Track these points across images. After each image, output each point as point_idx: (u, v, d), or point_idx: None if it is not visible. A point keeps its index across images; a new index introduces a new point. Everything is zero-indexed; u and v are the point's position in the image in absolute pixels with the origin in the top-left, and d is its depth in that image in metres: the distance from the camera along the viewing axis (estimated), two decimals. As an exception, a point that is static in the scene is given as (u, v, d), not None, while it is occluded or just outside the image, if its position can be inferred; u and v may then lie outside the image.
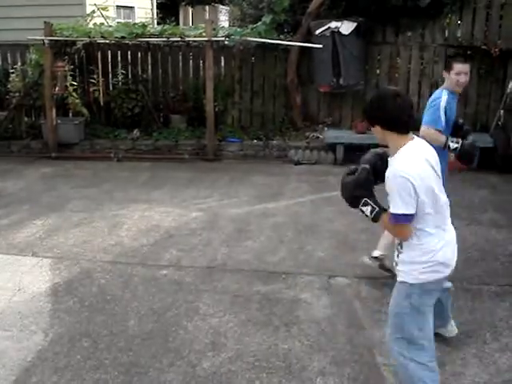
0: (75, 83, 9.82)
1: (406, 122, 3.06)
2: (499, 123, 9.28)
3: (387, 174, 3.07)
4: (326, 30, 9.25)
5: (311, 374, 3.72)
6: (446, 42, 9.51)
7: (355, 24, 9.18)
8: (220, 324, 4.33)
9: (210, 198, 7.39)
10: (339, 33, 9.20)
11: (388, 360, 3.85)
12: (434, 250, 3.08)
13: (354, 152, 8.97)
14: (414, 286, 3.12)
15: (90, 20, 10.23)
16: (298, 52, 9.58)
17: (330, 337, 4.15)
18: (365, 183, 3.24)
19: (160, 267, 5.32)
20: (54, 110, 9.64)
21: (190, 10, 22.38)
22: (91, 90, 10.08)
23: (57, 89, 9.53)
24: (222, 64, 10.10)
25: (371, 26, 9.42)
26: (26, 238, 6.07)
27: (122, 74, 10.25)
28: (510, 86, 9.13)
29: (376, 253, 5.05)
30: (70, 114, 10.19)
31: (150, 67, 10.31)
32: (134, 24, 10.33)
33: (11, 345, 4.06)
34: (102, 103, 10.02)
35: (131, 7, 14.76)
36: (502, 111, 9.25)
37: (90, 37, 9.57)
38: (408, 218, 3.02)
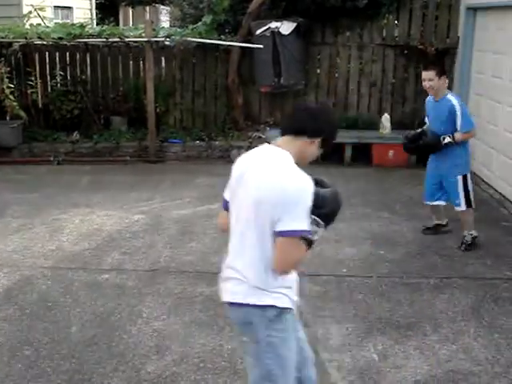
0: (12, 85, 9.57)
1: None
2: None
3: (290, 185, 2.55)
4: (266, 30, 9.30)
5: (256, 373, 3.74)
6: (384, 42, 9.70)
7: (295, 24, 9.26)
8: (164, 327, 4.31)
9: (153, 201, 7.33)
10: (279, 33, 9.26)
11: (332, 355, 3.92)
12: None
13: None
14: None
15: (27, 21, 10.01)
16: (239, 52, 9.60)
17: (274, 335, 4.18)
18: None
19: (102, 271, 5.25)
20: (-10, 113, 9.39)
21: (131, 10, 22.12)
22: (29, 92, 9.85)
23: (-7, 91, 9.29)
24: (163, 64, 10.03)
25: (311, 26, 9.53)
26: (-38, 245, 5.90)
27: (61, 75, 10.06)
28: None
29: None
30: (7, 117, 9.92)
31: (88, 68, 10.13)
32: (72, 25, 10.17)
33: None
34: (40, 105, 9.81)
35: (69, 7, 14.53)
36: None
37: (26, 38, 9.36)
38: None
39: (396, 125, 9.27)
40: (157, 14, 22.43)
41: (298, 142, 2.68)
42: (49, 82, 10.09)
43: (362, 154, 8.92)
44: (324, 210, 2.69)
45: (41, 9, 10.22)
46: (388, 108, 9.75)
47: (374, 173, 8.55)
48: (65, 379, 3.70)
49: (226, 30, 10.06)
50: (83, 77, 10.09)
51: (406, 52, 9.64)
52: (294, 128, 2.71)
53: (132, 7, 21.97)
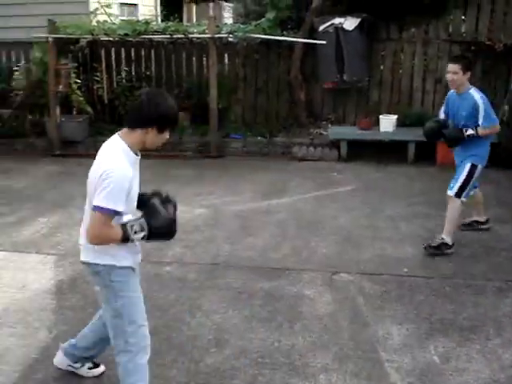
0: (79, 81, 9.86)
1: None
2: (503, 119, 9.24)
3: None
4: (330, 26, 9.24)
5: (314, 371, 3.72)
6: (450, 38, 9.48)
7: (359, 20, 9.17)
8: (223, 320, 4.34)
9: (214, 195, 7.39)
10: (343, 29, 9.19)
11: (391, 356, 3.86)
12: None
13: (358, 148, 9.01)
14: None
15: (94, 17, 10.24)
16: (302, 48, 9.57)
17: (332, 333, 4.16)
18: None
19: (163, 264, 5.33)
20: (57, 108, 9.67)
21: (194, 6, 22.33)
22: (95, 87, 10.11)
23: (60, 87, 9.55)
24: (226, 61, 10.09)
25: (375, 22, 9.41)
26: (30, 235, 6.09)
27: (126, 71, 10.27)
28: (514, 82, 9.11)
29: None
30: (74, 112, 10.20)
31: (153, 64, 10.32)
32: (138, 21, 10.34)
33: (15, 341, 4.08)
34: (105, 101, 10.05)
35: (135, 4, 14.75)
36: (506, 107, 9.21)
37: (93, 34, 9.59)
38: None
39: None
40: (220, 10, 22.55)
41: (134, 133, 3.03)
42: (114, 78, 10.32)
43: (426, 153, 8.74)
44: (153, 222, 3.11)
45: (107, 6, 10.43)
46: (453, 106, 9.52)
47: (437, 172, 8.36)
48: (126, 368, 3.77)
49: (289, 27, 10.03)
50: (148, 73, 10.28)
51: (472, 48, 9.38)
52: (127, 122, 3.09)
53: (196, 3, 22.18)
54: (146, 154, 9.16)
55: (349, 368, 3.75)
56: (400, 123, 9.19)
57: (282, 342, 4.05)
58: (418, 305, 4.56)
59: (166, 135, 3.13)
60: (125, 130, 3.08)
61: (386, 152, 8.95)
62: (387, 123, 8.97)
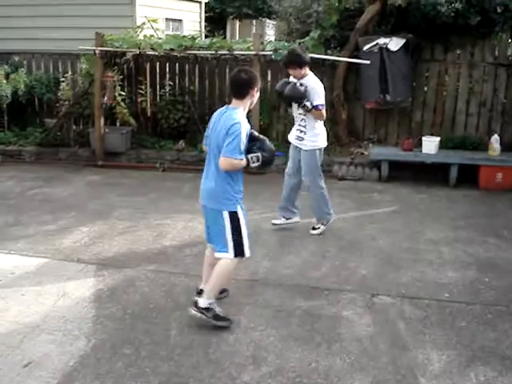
0: (123, 93, 10.01)
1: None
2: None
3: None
4: (374, 46, 9.22)
5: (352, 393, 3.68)
6: (496, 61, 9.37)
7: (404, 40, 9.13)
8: (261, 338, 4.32)
9: (253, 211, 7.36)
10: (387, 49, 9.16)
11: (431, 382, 3.79)
12: None
13: (399, 169, 8.93)
14: None
15: (140, 32, 10.41)
16: (345, 67, 9.57)
17: (372, 356, 4.10)
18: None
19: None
20: (102, 119, 9.83)
21: (238, 23, 22.56)
22: (139, 100, 10.26)
23: (105, 98, 9.71)
24: (269, 78, 10.13)
25: (420, 42, 9.36)
26: (71, 243, 6.18)
27: (170, 85, 10.40)
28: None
29: None
30: (118, 124, 10.36)
31: (197, 79, 10.43)
32: (184, 37, 10.47)
33: (55, 349, 4.13)
34: (148, 114, 10.18)
35: (180, 20, 14.98)
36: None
37: (139, 48, 9.73)
38: None
39: (506, 146, 8.92)
40: (263, 27, 22.72)
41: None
42: (158, 92, 10.45)
43: (469, 176, 8.62)
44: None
45: (154, 20, 10.59)
46: (498, 129, 9.39)
47: (480, 196, 8.24)
48: (163, 381, 3.77)
49: (333, 45, 10.04)
50: (191, 87, 10.38)
51: (519, 72, 9.28)
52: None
53: (239, 20, 22.42)
54: (187, 168, 9.30)
55: (387, 392, 3.69)
56: (442, 145, 9.09)
57: (320, 362, 4.01)
58: (459, 331, 4.47)
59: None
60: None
61: (427, 174, 8.86)
62: (430, 145, 8.87)
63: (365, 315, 4.68)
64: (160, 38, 10.25)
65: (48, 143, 10.28)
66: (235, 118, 4.26)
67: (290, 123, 10.12)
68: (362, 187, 8.71)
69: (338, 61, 9.47)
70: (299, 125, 6.43)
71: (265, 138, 4.55)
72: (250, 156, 4.34)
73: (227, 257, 4.44)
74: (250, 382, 3.77)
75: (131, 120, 10.08)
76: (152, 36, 10.25)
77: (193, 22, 15.85)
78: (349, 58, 9.36)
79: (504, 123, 9.51)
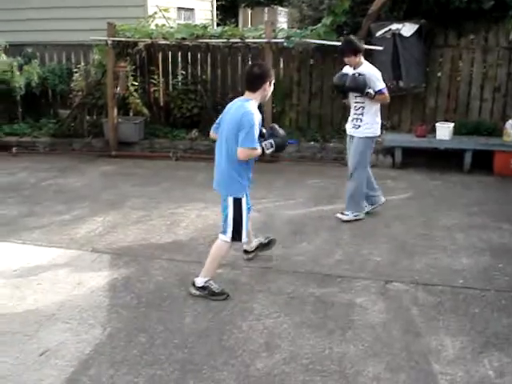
0: (136, 83, 10.03)
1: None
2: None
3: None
4: (387, 31, 9.15)
5: (366, 380, 3.68)
6: (511, 46, 9.26)
7: (417, 26, 9.06)
8: (274, 325, 4.33)
9: (266, 199, 7.40)
10: (400, 35, 9.10)
11: (444, 368, 3.78)
12: None
13: (412, 155, 8.89)
14: None
15: (152, 21, 10.40)
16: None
17: (385, 342, 4.10)
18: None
19: (216, 266, 5.36)
20: (115, 110, 9.86)
21: (249, 11, 22.46)
22: (151, 90, 10.27)
23: (118, 88, 9.74)
24: (281, 65, 10.10)
25: (433, 28, 9.28)
26: (86, 233, 6.23)
27: (182, 74, 10.41)
28: None
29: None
30: (131, 114, 10.39)
31: (209, 68, 10.42)
32: (195, 25, 10.46)
33: (70, 337, 4.17)
34: (161, 103, 10.19)
35: (191, 9, 14.95)
36: None
37: (151, 38, 9.74)
38: None
39: (521, 132, 8.83)
40: (275, 15, 22.61)
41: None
42: (170, 81, 10.46)
43: (483, 162, 8.56)
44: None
45: (165, 10, 10.58)
46: (512, 114, 9.31)
47: (494, 182, 8.18)
48: (177, 368, 3.80)
49: (345, 32, 9.95)
50: (203, 76, 10.38)
51: (533, 57, 9.17)
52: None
53: (251, 8, 22.33)
54: (200, 157, 9.34)
55: (401, 378, 3.69)
56: (456, 131, 9.03)
57: (333, 349, 4.02)
58: (473, 317, 4.46)
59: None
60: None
61: (441, 160, 8.81)
62: (444, 131, 8.82)
63: (378, 302, 4.68)
64: (171, 27, 10.24)
65: (62, 134, 10.33)
66: (248, 109, 4.50)
67: (302, 111, 10.15)
68: (376, 174, 8.58)
69: (350, 47, 9.40)
70: (355, 113, 6.44)
71: (274, 124, 4.97)
72: (264, 143, 4.67)
73: (224, 239, 4.73)
74: (264, 369, 3.79)
75: (144, 110, 10.10)
76: (164, 25, 10.25)
77: (204, 10, 15.81)
78: (361, 44, 9.30)
79: (519, 108, 9.42)
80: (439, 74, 9.68)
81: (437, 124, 8.99)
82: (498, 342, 4.11)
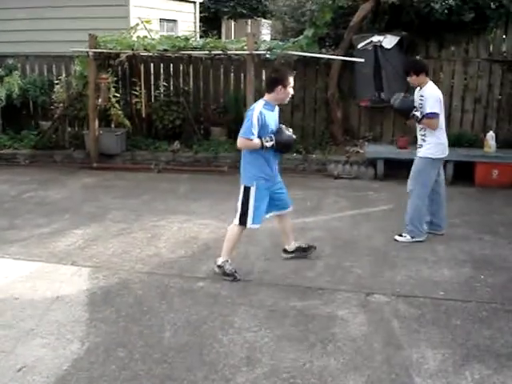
0: (118, 95, 9.98)
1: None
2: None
3: None
4: (369, 43, 9.21)
5: (346, 393, 3.66)
6: (491, 57, 9.36)
7: (398, 38, 9.13)
8: (255, 339, 4.30)
9: (248, 211, 7.37)
10: (382, 47, 9.17)
11: (425, 381, 3.77)
12: None
13: (394, 167, 8.91)
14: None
15: (134, 33, 10.38)
16: (340, 66, 9.55)
17: (366, 355, 4.08)
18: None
19: (197, 279, 5.33)
20: (96, 121, 9.82)
21: (233, 23, 22.51)
22: (133, 101, 10.24)
23: (100, 100, 9.70)
24: (263, 77, 10.09)
25: (414, 40, 9.36)
26: (66, 246, 6.16)
27: (164, 86, 10.39)
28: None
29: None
30: (113, 125, 10.34)
31: (191, 80, 10.41)
32: (177, 37, 10.45)
33: (48, 352, 4.10)
34: (143, 115, 10.16)
35: (174, 20, 14.95)
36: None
37: (133, 49, 9.71)
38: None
39: (501, 143, 8.93)
40: (258, 27, 22.66)
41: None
42: (152, 93, 10.44)
43: (464, 173, 8.61)
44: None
45: (147, 21, 10.56)
46: (493, 125, 9.40)
47: (475, 193, 8.23)
48: (156, 383, 3.75)
49: (327, 44, 10.04)
50: (186, 88, 10.38)
51: (513, 68, 9.27)
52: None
53: (234, 20, 22.37)
54: (182, 169, 9.32)
55: (382, 392, 3.67)
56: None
57: (314, 362, 3.99)
58: (454, 329, 4.45)
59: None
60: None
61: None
62: (425, 142, 8.85)
63: (359, 314, 4.67)
64: (153, 39, 10.22)
65: (43, 146, 10.26)
66: (252, 107, 5.28)
67: (284, 122, 10.08)
68: (358, 186, 8.70)
69: (332, 59, 9.46)
70: (419, 134, 6.32)
71: (282, 125, 5.39)
72: (264, 137, 5.16)
73: (234, 223, 5.35)
74: (245, 384, 3.76)
75: (126, 121, 10.06)
76: (146, 37, 10.22)
77: (187, 22, 15.81)
78: (343, 56, 9.35)
79: (499, 120, 9.51)
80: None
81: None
82: (479, 354, 4.11)
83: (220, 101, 10.37)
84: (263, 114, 5.13)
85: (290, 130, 5.42)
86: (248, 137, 5.14)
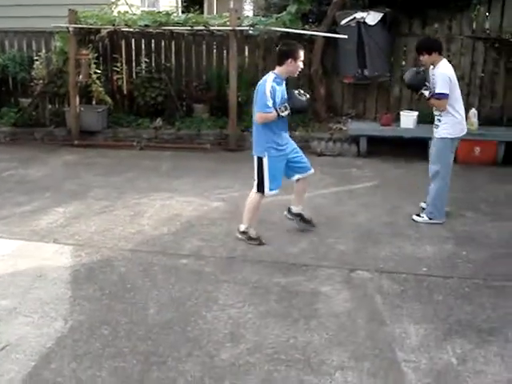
0: (99, 71, 9.85)
1: None
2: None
3: None
4: (352, 20, 9.16)
5: (330, 368, 3.68)
6: (474, 34, 9.36)
7: (381, 15, 9.08)
8: (239, 315, 4.31)
9: (232, 189, 7.37)
10: (365, 23, 9.11)
11: (408, 356, 3.81)
12: None
13: (377, 144, 8.93)
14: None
15: (115, 8, 10.23)
16: (323, 42, 9.50)
17: (349, 331, 4.11)
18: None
19: (180, 256, 5.32)
20: (77, 98, 9.71)
21: (215, -1, 22.27)
22: (115, 78, 10.14)
23: (81, 76, 9.58)
24: (246, 54, 10.04)
25: (397, 17, 9.33)
26: (47, 224, 6.11)
27: (146, 62, 10.28)
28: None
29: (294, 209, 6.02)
30: (94, 102, 10.22)
31: (173, 56, 10.30)
32: (158, 12, 10.32)
33: (31, 331, 4.08)
34: (125, 91, 10.06)
35: (156, -4, 14.76)
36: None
37: (114, 25, 9.59)
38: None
39: (483, 120, 8.94)
40: (241, 2, 22.46)
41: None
42: (134, 69, 10.32)
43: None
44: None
45: (129, -4, 10.42)
46: (475, 103, 9.41)
47: (458, 170, 8.20)
48: (140, 360, 3.75)
49: (310, 20, 9.96)
50: (168, 64, 10.26)
51: (496, 45, 9.26)
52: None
53: (217, -4, 22.12)
54: (165, 146, 9.26)
55: (365, 367, 3.70)
56: (421, 120, 9.09)
57: (298, 338, 4.02)
58: (437, 305, 4.49)
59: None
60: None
61: (406, 149, 8.86)
62: (408, 120, 8.87)
63: (343, 291, 4.69)
64: (135, 14, 10.09)
65: (23, 123, 10.13)
66: (263, 80, 5.38)
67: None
68: (341, 163, 8.71)
69: (315, 35, 9.39)
70: (435, 113, 6.22)
71: (292, 90, 5.52)
72: (278, 107, 5.33)
73: (253, 191, 5.60)
74: (229, 360, 3.76)
75: (107, 98, 9.94)
76: (127, 12, 10.08)
77: (169, -3, 15.63)
78: (326, 32, 9.29)
79: (482, 97, 9.53)
80: (403, 63, 9.73)
81: (401, 113, 9.04)
82: (460, 329, 4.15)
83: (202, 77, 10.27)
84: (274, 88, 5.30)
85: (301, 91, 5.58)
86: (265, 110, 5.30)
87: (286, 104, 5.37)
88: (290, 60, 5.33)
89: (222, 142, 9.52)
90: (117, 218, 6.31)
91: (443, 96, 5.93)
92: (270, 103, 5.29)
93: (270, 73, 5.42)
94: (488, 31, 9.39)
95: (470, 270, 5.10)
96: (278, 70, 5.41)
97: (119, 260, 5.24)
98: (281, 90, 5.41)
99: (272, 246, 5.57)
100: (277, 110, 5.32)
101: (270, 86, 5.28)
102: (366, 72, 9.28)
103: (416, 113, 9.03)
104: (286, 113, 5.36)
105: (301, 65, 5.43)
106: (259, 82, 5.44)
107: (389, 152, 8.95)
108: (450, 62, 9.32)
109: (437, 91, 5.95)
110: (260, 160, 5.51)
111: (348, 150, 9.15)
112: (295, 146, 5.82)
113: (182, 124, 9.76)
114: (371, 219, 6.33)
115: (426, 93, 6.04)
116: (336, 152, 9.14)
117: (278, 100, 5.34)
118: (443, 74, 5.96)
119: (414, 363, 3.75)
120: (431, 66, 6.11)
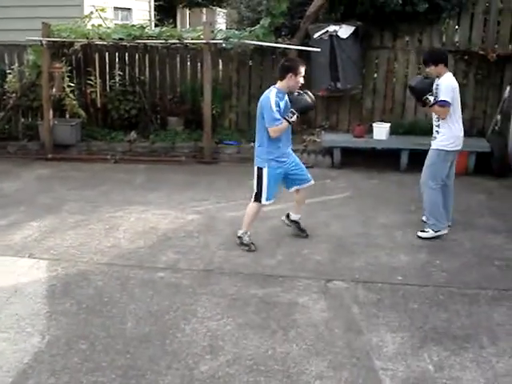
0: (72, 84, 9.82)
1: None
2: (496, 128, 9.32)
3: None
4: (324, 33, 9.26)
5: (309, 378, 3.71)
6: (444, 47, 9.52)
7: (353, 28, 9.20)
8: (217, 327, 4.32)
9: (207, 201, 7.39)
10: (337, 36, 9.22)
11: (385, 364, 3.86)
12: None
13: (351, 155, 9.02)
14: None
15: (88, 21, 10.20)
16: (296, 55, 9.56)
17: (327, 341, 4.15)
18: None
19: (157, 269, 5.31)
20: (50, 111, 9.63)
21: (188, 12, 22.33)
22: (88, 91, 10.08)
23: (54, 90, 9.52)
24: (220, 67, 10.09)
25: (369, 30, 9.46)
26: (22, 239, 6.05)
27: (120, 75, 10.25)
28: (506, 91, 9.17)
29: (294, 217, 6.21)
30: (67, 116, 10.16)
31: (147, 69, 10.30)
32: (132, 26, 10.33)
33: (8, 347, 4.04)
34: (98, 105, 10.01)
35: (129, 9, 14.76)
36: (498, 116, 9.29)
37: (87, 38, 9.56)
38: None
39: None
40: (213, 16, 22.54)
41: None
42: (108, 82, 10.29)
43: (419, 161, 8.72)
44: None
45: (102, 10, 10.38)
46: (446, 114, 9.54)
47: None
48: (119, 374, 3.74)
49: (283, 33, 10.04)
50: (142, 77, 10.26)
51: (466, 57, 9.45)
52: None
53: (189, 9, 22.19)
54: (139, 159, 9.21)
55: (343, 376, 3.74)
56: (393, 131, 9.22)
57: (277, 349, 4.04)
58: (412, 313, 4.56)
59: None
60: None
61: (379, 160, 8.98)
62: (380, 131, 9.00)
63: (320, 301, 4.74)
64: (108, 28, 10.08)
65: (-4, 137, 10.02)
66: (266, 95, 5.58)
67: (242, 112, 10.16)
68: (315, 174, 8.62)
69: (288, 49, 9.47)
70: (434, 125, 6.23)
71: (293, 93, 5.63)
72: (286, 115, 5.57)
73: (251, 200, 5.82)
74: (208, 372, 3.77)
75: (81, 111, 9.90)
76: (100, 25, 10.07)
77: (142, 10, 15.62)
78: (299, 45, 9.38)
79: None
80: (375, 76, 9.88)
81: (374, 124, 9.17)
82: (436, 337, 4.22)
83: (177, 90, 10.29)
84: (277, 102, 5.53)
85: (300, 92, 5.67)
86: (276, 124, 5.53)
87: (293, 109, 5.56)
88: (290, 74, 5.51)
89: (196, 155, 9.53)
90: (92, 232, 6.28)
91: (446, 104, 5.96)
92: (278, 115, 5.51)
93: (272, 87, 5.62)
94: (457, 44, 9.57)
95: (444, 279, 5.19)
96: (279, 84, 5.61)
97: (96, 274, 5.22)
98: (284, 102, 5.61)
99: (249, 258, 5.60)
100: (286, 119, 5.54)
101: (274, 100, 5.50)
102: (339, 84, 9.38)
103: (388, 124, 9.17)
104: (295, 117, 5.57)
105: (301, 80, 5.58)
106: (261, 98, 5.63)
107: (362, 163, 9.05)
108: (420, 74, 9.62)
109: (441, 98, 5.96)
110: (260, 170, 5.73)
111: (322, 162, 9.23)
112: (297, 159, 6.01)
113: (157, 137, 9.76)
114: (345, 230, 6.40)
115: (431, 98, 6.03)
116: (310, 163, 9.18)
117: (282, 110, 5.57)
118: (448, 84, 6.01)
119: (391, 371, 3.80)
120: (436, 78, 6.13)
